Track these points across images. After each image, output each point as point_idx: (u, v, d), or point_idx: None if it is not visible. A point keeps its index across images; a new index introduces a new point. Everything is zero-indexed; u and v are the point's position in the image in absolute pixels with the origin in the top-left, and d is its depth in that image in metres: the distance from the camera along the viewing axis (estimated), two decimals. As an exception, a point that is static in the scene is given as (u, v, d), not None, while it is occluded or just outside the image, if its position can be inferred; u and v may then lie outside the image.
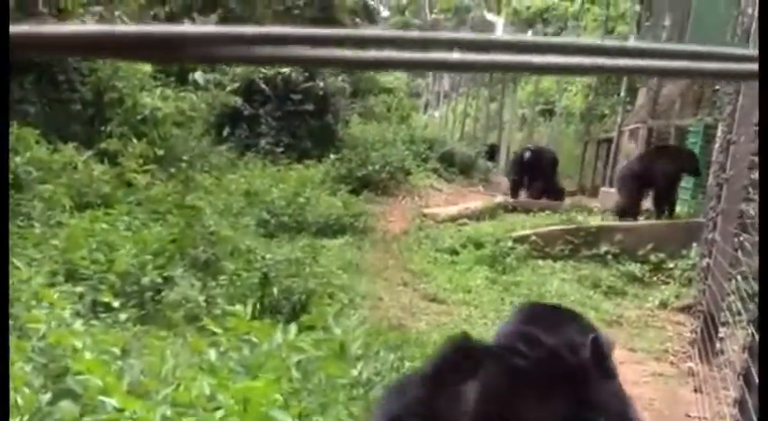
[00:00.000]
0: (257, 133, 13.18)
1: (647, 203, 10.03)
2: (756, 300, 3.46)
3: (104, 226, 6.37)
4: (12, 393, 2.29)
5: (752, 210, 4.47)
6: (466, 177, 16.31)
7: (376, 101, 21.29)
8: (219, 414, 2.31)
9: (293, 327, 3.45)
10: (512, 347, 1.87)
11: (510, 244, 9.03)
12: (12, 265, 4.34)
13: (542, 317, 2.02)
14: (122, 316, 4.43)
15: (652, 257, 8.38)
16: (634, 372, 5.70)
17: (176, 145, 9.61)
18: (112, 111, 9.57)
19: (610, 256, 8.60)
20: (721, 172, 6.07)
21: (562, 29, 23.97)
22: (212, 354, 2.87)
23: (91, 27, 0.58)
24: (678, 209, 9.82)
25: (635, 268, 8.27)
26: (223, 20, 13.71)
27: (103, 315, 4.53)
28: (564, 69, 0.69)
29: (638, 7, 15.94)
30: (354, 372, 3.61)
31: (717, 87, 8.64)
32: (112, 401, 2.25)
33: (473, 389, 1.75)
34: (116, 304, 4.16)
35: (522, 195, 13.14)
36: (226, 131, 12.80)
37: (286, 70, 13.59)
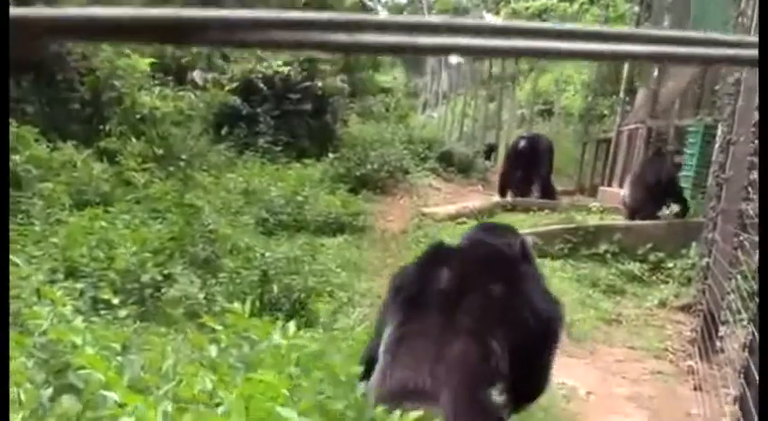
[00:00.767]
0: (256, 132, 13.15)
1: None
2: (756, 298, 3.47)
3: (104, 224, 6.36)
4: (14, 389, 2.29)
5: (751, 209, 4.49)
6: (464, 177, 16.29)
7: (374, 101, 21.31)
8: (221, 409, 2.31)
9: (292, 324, 3.45)
10: (470, 246, 3.10)
11: (509, 243, 9.00)
12: (11, 263, 4.33)
13: (490, 229, 3.39)
14: (122, 313, 4.43)
15: (651, 256, 8.37)
16: (634, 370, 5.71)
17: (175, 144, 9.61)
18: (111, 110, 9.57)
19: (609, 255, 8.59)
20: (721, 172, 6.08)
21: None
22: (213, 351, 2.87)
23: (105, 10, 0.57)
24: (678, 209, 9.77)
25: (634, 267, 8.26)
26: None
27: (104, 312, 4.53)
28: (574, 54, 0.69)
29: (637, 8, 15.94)
30: (354, 369, 3.60)
31: (716, 87, 8.63)
32: (114, 396, 2.25)
33: (446, 270, 2.84)
34: (116, 301, 4.15)
35: (509, 195, 12.31)
36: (224, 130, 12.77)
37: (284, 69, 13.59)
